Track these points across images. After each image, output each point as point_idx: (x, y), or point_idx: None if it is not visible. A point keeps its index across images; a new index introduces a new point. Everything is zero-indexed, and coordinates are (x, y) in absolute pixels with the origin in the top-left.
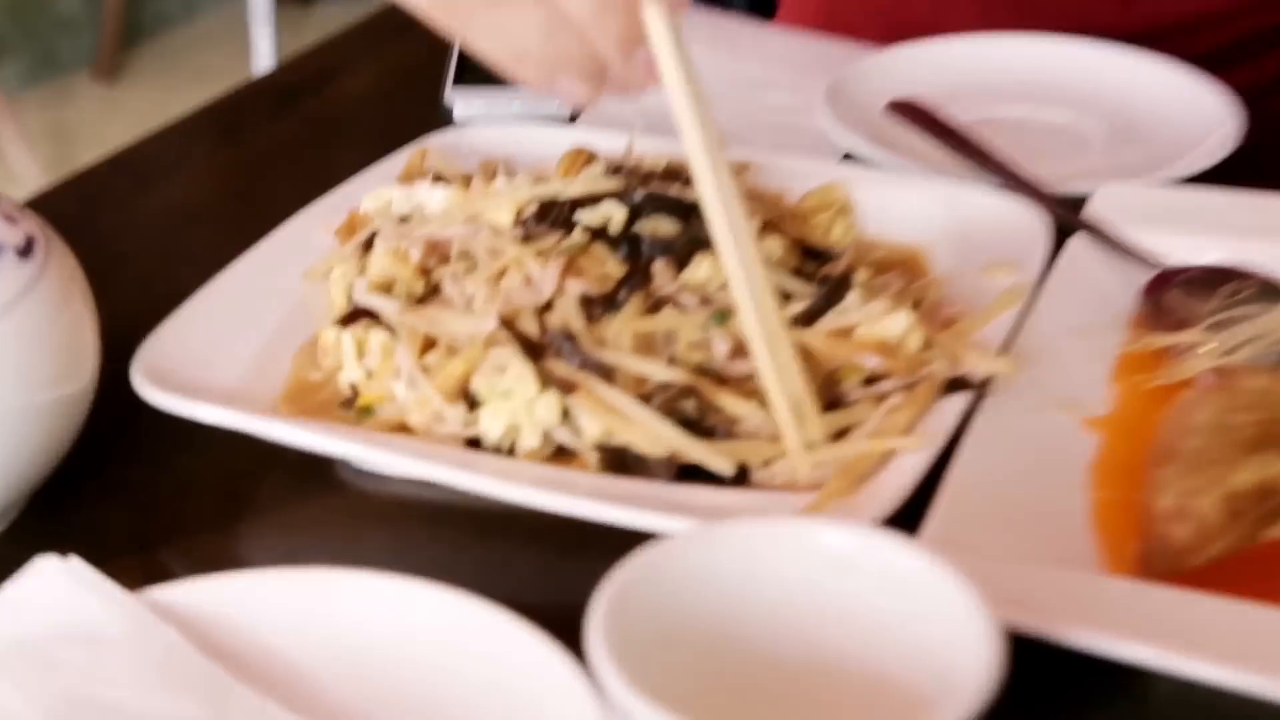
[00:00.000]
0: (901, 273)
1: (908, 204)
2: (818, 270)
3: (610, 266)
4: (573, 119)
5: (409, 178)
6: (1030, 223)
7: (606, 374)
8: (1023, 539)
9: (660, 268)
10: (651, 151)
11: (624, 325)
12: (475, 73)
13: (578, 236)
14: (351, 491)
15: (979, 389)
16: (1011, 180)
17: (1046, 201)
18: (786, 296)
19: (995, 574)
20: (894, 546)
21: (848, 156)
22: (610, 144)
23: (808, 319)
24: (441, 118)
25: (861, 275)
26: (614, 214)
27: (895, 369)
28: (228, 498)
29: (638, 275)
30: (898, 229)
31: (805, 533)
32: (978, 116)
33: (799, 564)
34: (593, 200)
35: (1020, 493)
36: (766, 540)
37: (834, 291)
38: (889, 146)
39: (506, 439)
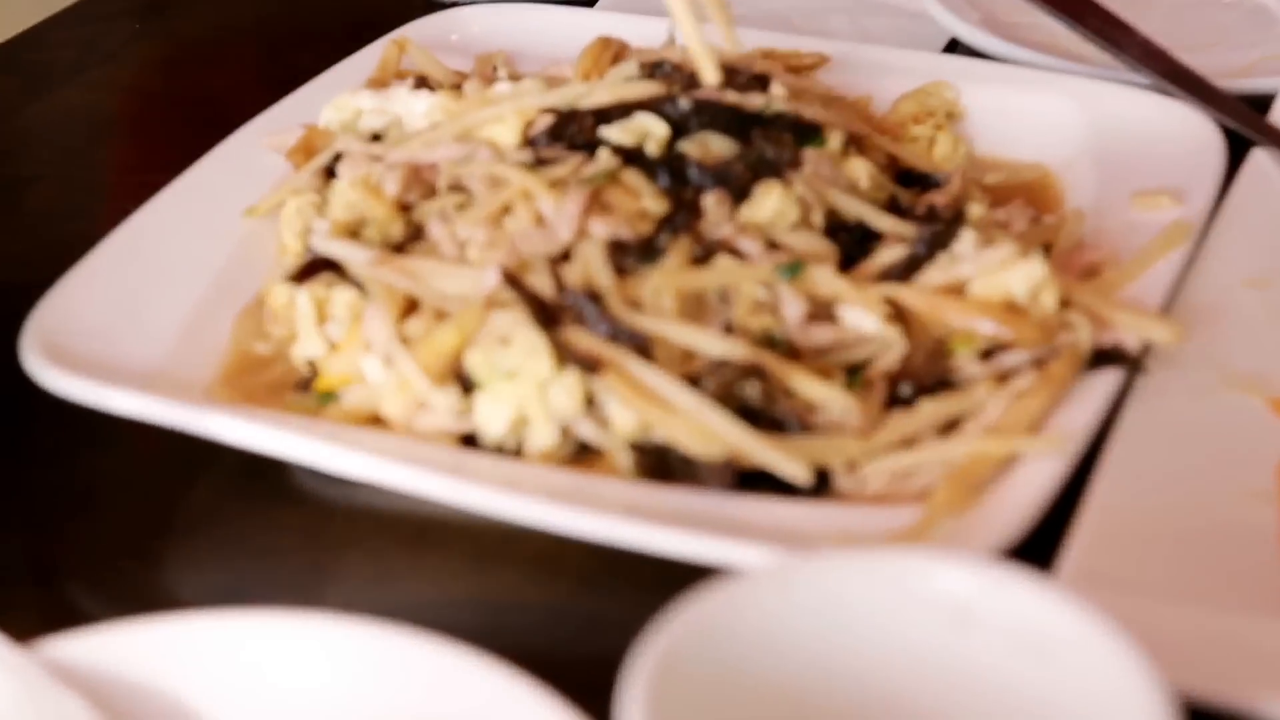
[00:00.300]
0: (1027, 203)
1: (1034, 109)
2: (917, 201)
3: (647, 201)
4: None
5: (382, 80)
6: (1198, 133)
7: (643, 347)
8: (1197, 571)
9: (713, 202)
10: (701, 44)
11: (666, 280)
12: None
13: (604, 160)
14: (311, 503)
15: (1133, 364)
16: (1172, 75)
17: (1220, 103)
18: (875, 237)
19: (1162, 622)
20: (1026, 589)
21: (953, 44)
22: (646, 32)
23: (906, 270)
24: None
25: (975, 209)
26: (652, 130)
27: (1022, 338)
28: (150, 512)
29: (683, 213)
30: (1022, 143)
31: (908, 571)
32: None
33: (901, 614)
34: (623, 111)
35: (1190, 507)
36: (858, 581)
37: (941, 233)
38: (1008, 31)
39: (512, 435)
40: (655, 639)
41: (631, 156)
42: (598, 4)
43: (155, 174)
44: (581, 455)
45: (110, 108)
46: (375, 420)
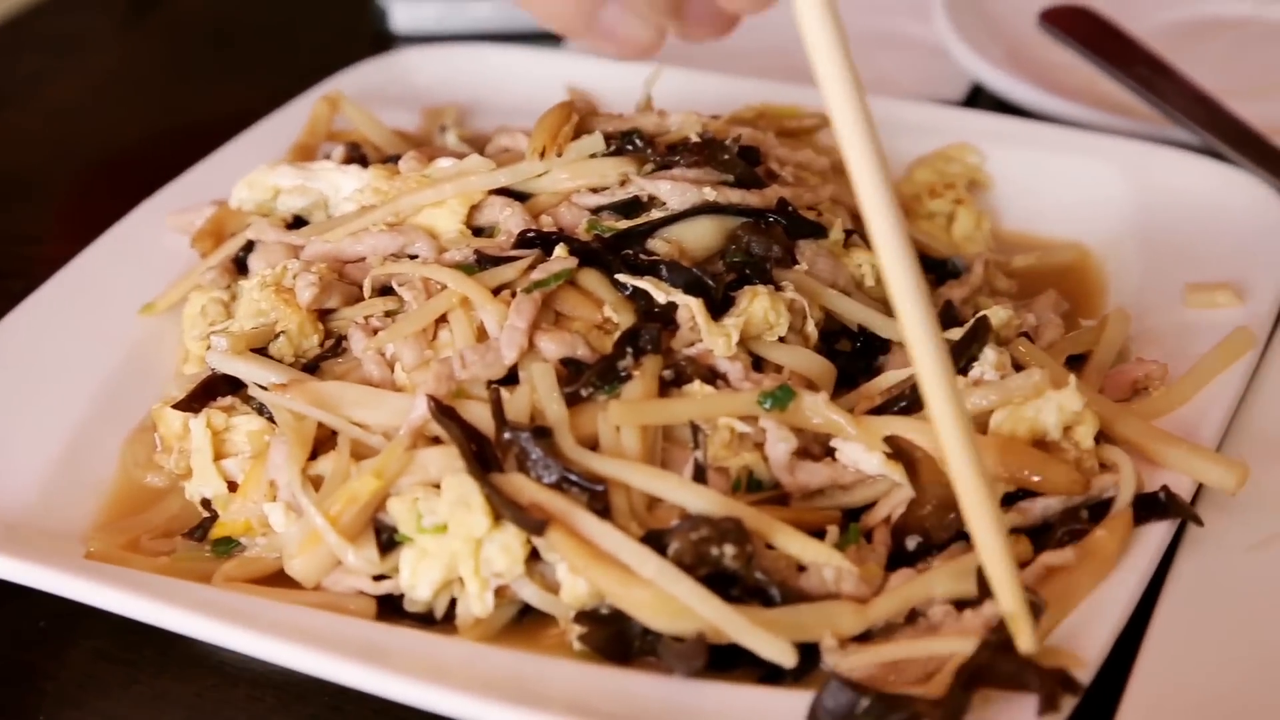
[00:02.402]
0: (1061, 295)
1: (1070, 177)
2: (932, 293)
3: (610, 310)
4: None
5: (310, 146)
6: (1262, 208)
7: (599, 497)
8: None
9: (688, 312)
10: (673, 96)
11: (627, 413)
12: None
13: (559, 260)
14: (209, 672)
15: (1185, 514)
16: (1229, 134)
17: None
18: (882, 344)
19: None
20: None
21: (976, 92)
22: (619, 82)
23: (919, 396)
24: (371, 29)
25: (1000, 314)
26: (616, 220)
27: (1054, 484)
28: (16, 682)
29: (652, 325)
30: (1055, 217)
31: None
32: (1170, 20)
33: None
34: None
35: (1251, 685)
36: None
37: (963, 346)
38: (1038, 76)
39: (440, 600)
40: None
41: (591, 254)
42: (567, 40)
43: (47, 245)
44: (523, 620)
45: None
46: (281, 576)
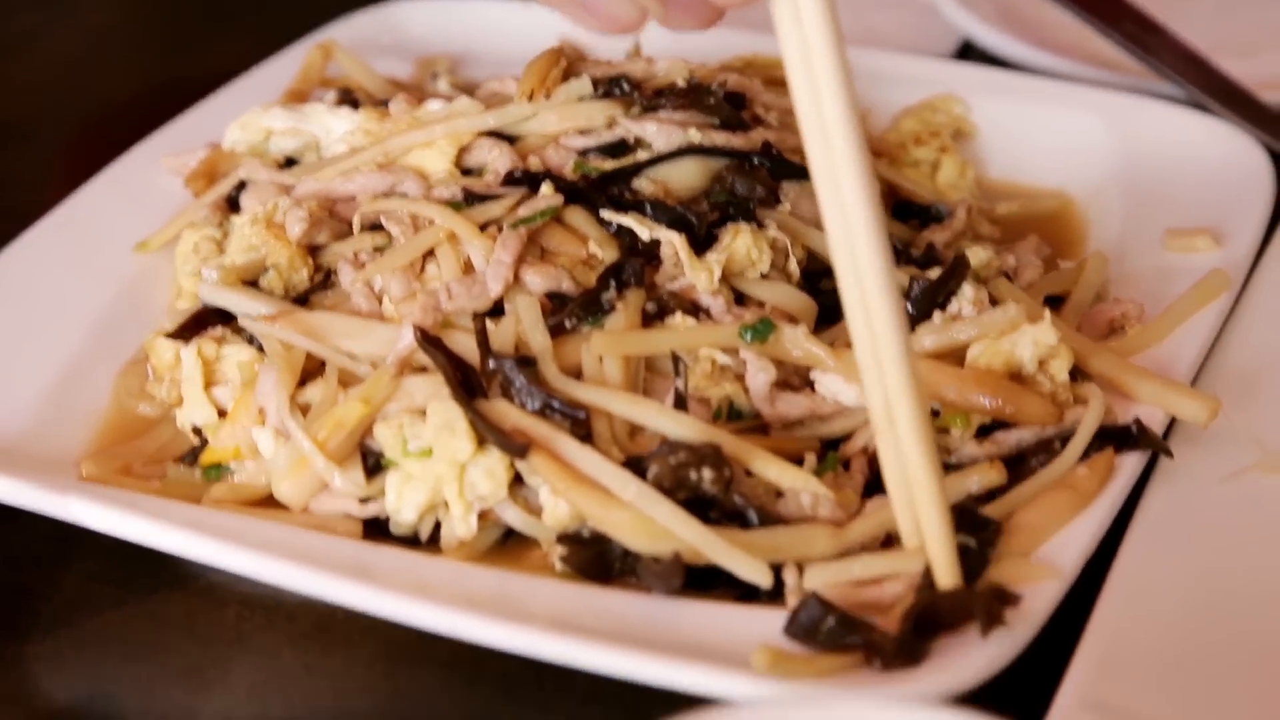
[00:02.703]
0: (1043, 240)
1: (1055, 127)
2: (915, 236)
3: (594, 246)
4: None
5: (303, 92)
6: (1243, 159)
7: (581, 424)
8: (1222, 699)
9: (671, 248)
10: (667, 48)
11: (610, 343)
12: None
13: (545, 197)
14: (196, 592)
15: (1156, 446)
16: (1213, 88)
17: (1269, 123)
18: None
19: None
20: None
21: (966, 49)
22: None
23: None
24: None
25: (979, 254)
26: (602, 162)
27: (1027, 415)
28: (12, 602)
29: (635, 260)
30: (1040, 166)
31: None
32: None
33: None
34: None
35: (1218, 619)
36: None
37: (935, 288)
38: (1028, 30)
39: (425, 523)
40: None
41: (577, 193)
42: None
43: (44, 190)
44: (507, 544)
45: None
46: (270, 501)
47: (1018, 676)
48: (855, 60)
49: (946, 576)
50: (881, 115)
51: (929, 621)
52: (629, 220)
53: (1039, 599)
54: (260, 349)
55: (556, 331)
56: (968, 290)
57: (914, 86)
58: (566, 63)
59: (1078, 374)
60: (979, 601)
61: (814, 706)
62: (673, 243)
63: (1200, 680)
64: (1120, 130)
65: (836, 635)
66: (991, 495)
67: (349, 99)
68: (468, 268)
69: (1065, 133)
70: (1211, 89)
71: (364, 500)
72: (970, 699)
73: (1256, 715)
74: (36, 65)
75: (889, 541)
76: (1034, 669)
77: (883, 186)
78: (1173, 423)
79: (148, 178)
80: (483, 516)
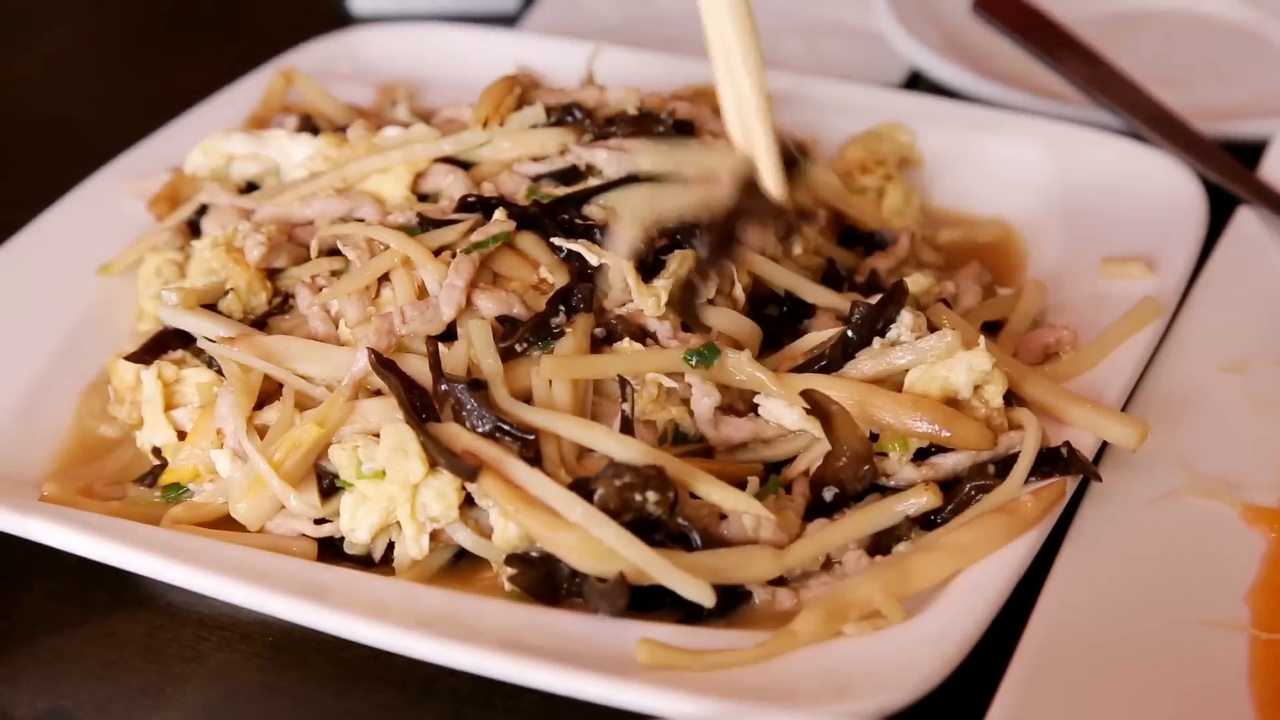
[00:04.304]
0: (984, 266)
1: (998, 156)
2: (859, 263)
3: (545, 271)
4: (515, 19)
5: (264, 118)
6: (1177, 189)
7: (530, 445)
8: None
9: (619, 274)
10: (620, 76)
11: (559, 367)
12: None
13: (498, 223)
14: (154, 611)
15: (1085, 470)
16: (1152, 119)
17: (1203, 153)
18: (809, 309)
19: None
20: None
21: (915, 78)
22: (567, 61)
23: (840, 354)
24: (331, 11)
25: (920, 280)
26: (554, 188)
27: (962, 439)
28: None
29: (585, 285)
30: (982, 194)
31: None
32: (1104, 10)
33: None
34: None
35: (1146, 641)
36: None
37: (875, 315)
38: (974, 63)
39: (379, 543)
40: None
41: (529, 218)
42: (521, 22)
43: (9, 210)
44: (458, 563)
45: None
46: (228, 520)
47: (947, 698)
48: (804, 90)
49: (771, 182)
50: (830, 143)
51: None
52: (579, 247)
53: (969, 619)
54: (219, 371)
55: (507, 355)
56: (906, 317)
57: (861, 114)
58: (521, 89)
59: (1012, 398)
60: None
61: None
62: (621, 268)
63: (1128, 701)
64: (1060, 159)
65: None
66: (928, 517)
67: (309, 125)
68: (421, 292)
69: (1007, 161)
70: (1149, 119)
71: (319, 521)
72: None
73: None
74: None
75: (827, 563)
76: (963, 690)
77: (829, 213)
78: (1104, 446)
79: (111, 201)
80: (434, 537)
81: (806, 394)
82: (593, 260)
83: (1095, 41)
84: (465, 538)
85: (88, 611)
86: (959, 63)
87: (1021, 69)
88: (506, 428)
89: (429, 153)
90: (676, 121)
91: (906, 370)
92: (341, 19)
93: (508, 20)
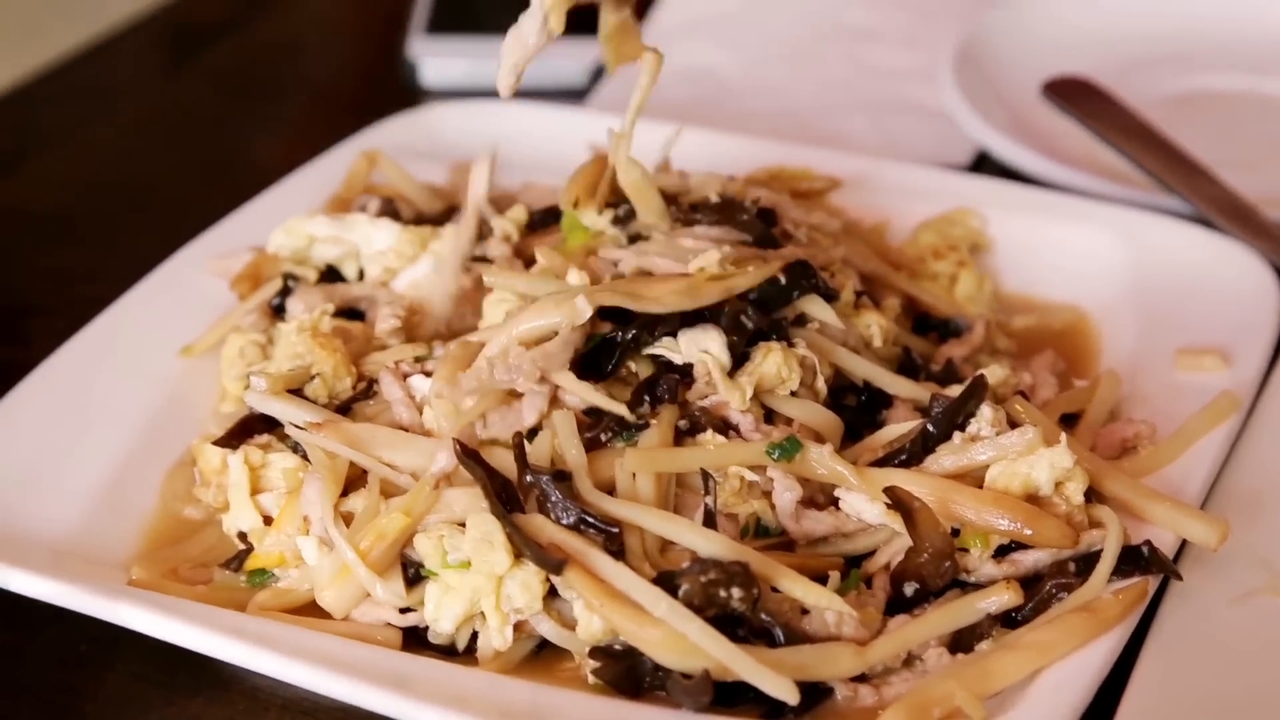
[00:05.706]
0: (1058, 354)
1: (1069, 243)
2: (935, 351)
3: (630, 361)
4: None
5: (347, 199)
6: (1251, 278)
7: (614, 538)
8: None
9: (704, 367)
10: (690, 156)
11: (643, 460)
12: (454, 15)
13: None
14: (240, 694)
15: (1167, 569)
16: (1220, 205)
17: (1274, 240)
18: (887, 398)
19: None
20: None
21: (983, 159)
22: (639, 137)
23: (920, 448)
24: (400, 83)
25: (997, 371)
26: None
27: (1043, 537)
28: (57, 703)
29: (669, 377)
30: (1054, 281)
31: None
32: (1169, 92)
33: None
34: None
35: None
36: None
37: (960, 404)
38: (1042, 145)
39: (463, 633)
40: None
41: (610, 311)
42: (589, 98)
43: (91, 284)
44: (541, 653)
45: (38, 206)
46: (313, 607)
47: None
48: (875, 173)
49: None
50: (900, 227)
51: None
52: (661, 349)
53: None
54: (304, 456)
55: (591, 446)
56: (986, 411)
57: (932, 198)
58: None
59: (1092, 494)
60: None
61: None
62: (705, 362)
63: None
64: (1131, 246)
65: None
66: (1009, 615)
67: (390, 209)
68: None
69: (1079, 248)
70: (1216, 204)
71: (404, 610)
72: None
73: None
74: (81, 156)
75: (909, 659)
76: None
77: (903, 299)
78: (1183, 544)
79: (193, 280)
80: (518, 628)
81: (889, 490)
82: (677, 360)
83: (1160, 123)
84: (549, 630)
85: (171, 693)
86: (1027, 144)
87: (1089, 151)
88: (591, 520)
89: (595, 303)
90: (759, 210)
91: (987, 466)
92: (411, 92)
93: (576, 94)
